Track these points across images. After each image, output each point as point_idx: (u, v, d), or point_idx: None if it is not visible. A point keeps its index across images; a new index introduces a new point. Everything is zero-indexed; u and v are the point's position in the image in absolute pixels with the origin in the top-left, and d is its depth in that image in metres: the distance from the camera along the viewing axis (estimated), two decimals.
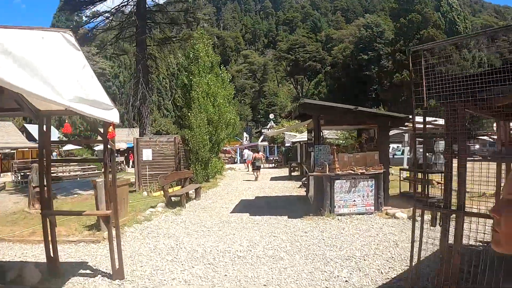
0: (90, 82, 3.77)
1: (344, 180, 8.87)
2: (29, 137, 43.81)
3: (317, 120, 8.98)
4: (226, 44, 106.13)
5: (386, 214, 8.94)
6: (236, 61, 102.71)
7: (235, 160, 40.46)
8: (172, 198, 10.49)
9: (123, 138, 33.99)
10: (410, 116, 9.44)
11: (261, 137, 44.30)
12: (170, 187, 14.24)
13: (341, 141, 16.04)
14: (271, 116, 48.50)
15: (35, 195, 11.16)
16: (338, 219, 8.53)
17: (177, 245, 6.63)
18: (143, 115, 16.01)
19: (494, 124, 9.83)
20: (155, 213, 9.48)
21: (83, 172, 30.31)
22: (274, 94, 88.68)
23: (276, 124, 42.96)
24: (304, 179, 15.16)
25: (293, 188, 15.12)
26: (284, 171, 25.21)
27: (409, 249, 6.62)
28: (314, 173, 8.76)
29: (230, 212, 9.89)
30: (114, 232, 4.95)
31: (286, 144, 25.02)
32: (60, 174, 28.12)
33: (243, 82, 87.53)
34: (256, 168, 20.19)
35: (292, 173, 20.67)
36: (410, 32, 47.60)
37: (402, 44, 48.17)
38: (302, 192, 13.70)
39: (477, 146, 34.04)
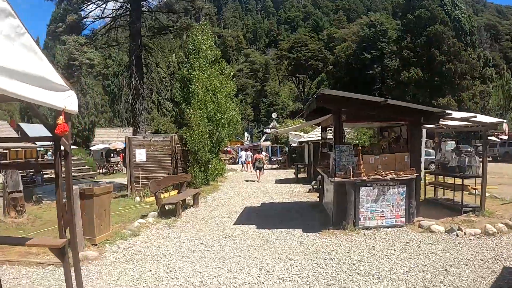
0: (18, 44, 2.35)
1: (371, 187, 7.43)
2: (24, 136, 42.52)
3: (338, 116, 7.53)
4: (227, 44, 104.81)
5: (419, 227, 7.51)
6: (237, 60, 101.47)
7: (237, 160, 39.08)
8: (166, 206, 9.03)
9: (121, 137, 32.63)
10: (447, 111, 8.02)
11: (264, 137, 42.93)
12: (166, 191, 12.84)
13: (355, 141, 14.52)
14: (274, 115, 47.06)
15: (10, 202, 9.74)
16: (365, 234, 7.09)
17: (167, 272, 5.18)
18: (137, 112, 14.55)
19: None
20: (145, 225, 8.03)
21: (78, 173, 28.91)
22: (276, 94, 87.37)
23: (278, 124, 41.48)
24: (314, 182, 13.74)
25: (302, 193, 13.68)
26: (289, 173, 23.81)
27: (464, 276, 5.24)
28: (336, 178, 7.30)
29: (234, 224, 8.43)
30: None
31: (293, 144, 23.57)
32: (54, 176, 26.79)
33: (244, 81, 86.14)
34: (257, 169, 19.62)
35: (299, 175, 19.23)
36: (417, 28, 45.98)
37: (409, 41, 46.63)
38: (313, 197, 12.26)
39: None
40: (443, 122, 9.00)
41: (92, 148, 39.23)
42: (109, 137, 37.70)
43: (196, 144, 13.78)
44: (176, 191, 12.21)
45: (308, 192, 13.56)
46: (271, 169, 29.93)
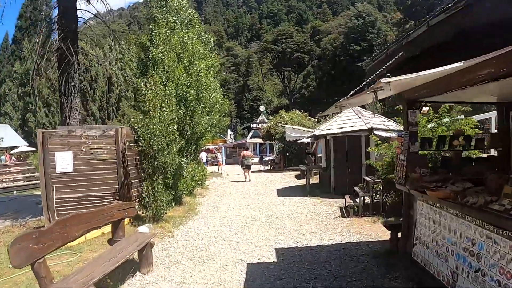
0: None
1: None
2: None
3: None
4: None
5: None
6: (218, 55, 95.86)
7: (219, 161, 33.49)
8: None
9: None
10: None
11: (250, 134, 37.68)
12: (99, 228, 7.44)
13: (392, 135, 9.32)
14: (262, 108, 41.60)
15: None
16: None
17: None
18: (63, 92, 9.03)
19: None
20: None
21: (26, 181, 22.61)
22: (260, 89, 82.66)
23: (267, 118, 36.25)
24: (348, 197, 8.63)
25: (332, 217, 8.43)
26: (289, 177, 18.66)
27: None
28: None
29: None
30: None
31: (305, 140, 18.43)
32: None
33: (226, 76, 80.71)
34: (246, 168, 18.22)
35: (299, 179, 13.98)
36: (421, 12, 41.54)
37: (412, 26, 42.27)
38: (362, 229, 7.06)
39: None
40: None
41: None
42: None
43: (156, 142, 8.09)
44: (108, 229, 6.90)
45: (344, 217, 8.35)
46: (262, 171, 24.65)
